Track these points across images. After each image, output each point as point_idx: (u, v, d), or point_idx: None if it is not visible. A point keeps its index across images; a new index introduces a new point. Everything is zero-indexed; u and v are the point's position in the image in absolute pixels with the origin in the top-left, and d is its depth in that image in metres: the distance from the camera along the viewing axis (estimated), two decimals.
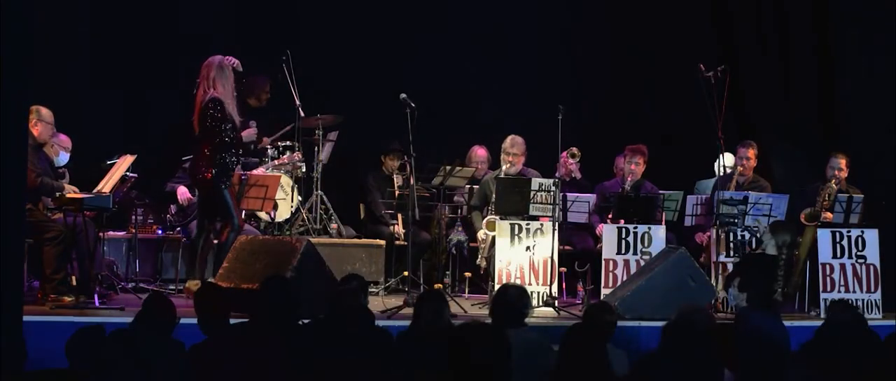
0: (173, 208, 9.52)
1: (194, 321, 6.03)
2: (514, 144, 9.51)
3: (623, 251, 8.95)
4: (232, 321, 6.25)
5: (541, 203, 8.80)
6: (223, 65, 8.30)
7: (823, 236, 8.93)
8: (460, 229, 9.95)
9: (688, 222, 9.25)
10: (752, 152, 9.61)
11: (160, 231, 9.84)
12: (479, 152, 10.28)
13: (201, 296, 6.00)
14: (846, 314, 6.76)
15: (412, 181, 9.05)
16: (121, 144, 9.02)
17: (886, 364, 5.24)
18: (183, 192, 9.35)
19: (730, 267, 8.56)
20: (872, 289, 8.89)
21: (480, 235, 9.40)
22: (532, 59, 11.15)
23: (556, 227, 8.70)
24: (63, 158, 8.69)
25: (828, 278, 8.83)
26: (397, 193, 9.88)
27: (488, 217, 9.26)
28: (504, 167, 9.49)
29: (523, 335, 5.86)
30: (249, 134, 8.65)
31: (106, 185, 8.31)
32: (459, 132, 10.62)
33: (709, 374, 5.18)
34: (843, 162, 9.41)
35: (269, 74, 10.57)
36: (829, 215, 9.19)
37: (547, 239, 8.72)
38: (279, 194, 9.37)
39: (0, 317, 5.99)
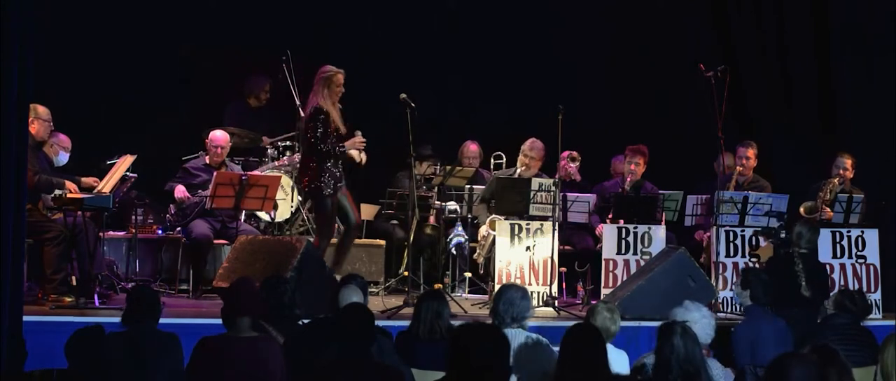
0: (173, 207, 9.52)
1: (198, 321, 6.04)
2: (533, 148, 9.48)
3: (623, 251, 8.95)
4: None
5: (541, 203, 8.80)
6: (330, 76, 8.32)
7: (823, 235, 8.92)
8: (460, 228, 9.95)
9: (688, 222, 9.26)
10: (751, 152, 9.60)
11: (160, 231, 9.83)
12: (472, 147, 10.27)
13: (232, 290, 5.90)
14: (845, 318, 6.78)
15: (413, 181, 9.04)
16: (121, 144, 9.01)
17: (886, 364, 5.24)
18: (181, 190, 9.34)
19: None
20: (872, 289, 8.90)
21: (483, 231, 9.38)
22: (533, 59, 11.14)
23: (556, 227, 8.69)
24: (62, 158, 8.68)
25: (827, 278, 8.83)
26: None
27: (491, 216, 9.25)
28: (519, 169, 9.46)
29: (523, 335, 5.86)
30: (353, 143, 8.46)
31: (106, 185, 8.31)
32: (459, 132, 10.62)
33: (706, 374, 5.18)
34: (849, 163, 9.43)
35: (268, 74, 10.59)
36: (829, 211, 9.19)
37: (547, 239, 8.71)
38: (279, 194, 9.36)
39: (0, 317, 6.00)
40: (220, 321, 5.67)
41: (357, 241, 9.78)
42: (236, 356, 5.46)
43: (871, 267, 8.98)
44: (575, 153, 9.84)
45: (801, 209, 9.28)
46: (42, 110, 8.34)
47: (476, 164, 10.19)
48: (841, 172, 9.40)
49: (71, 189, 8.13)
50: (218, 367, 5.46)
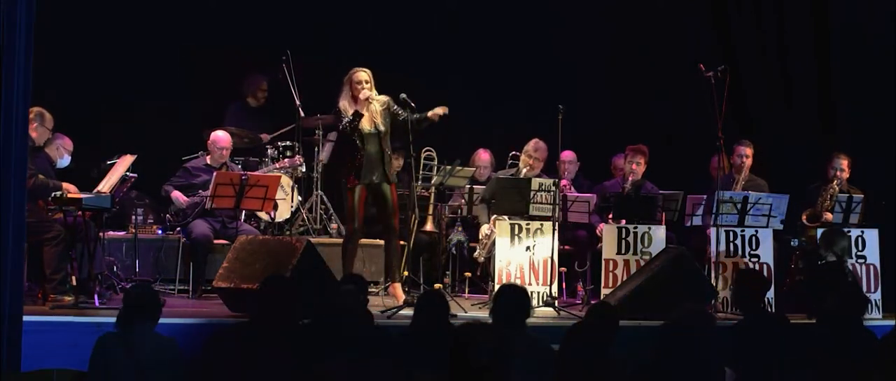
0: (173, 208, 9.52)
1: (198, 321, 6.03)
2: (537, 149, 9.45)
3: (623, 251, 8.95)
4: (232, 321, 6.25)
5: (541, 203, 8.80)
6: (350, 76, 8.48)
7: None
8: (460, 228, 9.95)
9: (688, 222, 9.26)
10: (750, 150, 9.60)
11: (160, 231, 9.83)
12: (483, 156, 10.25)
13: (268, 288, 5.88)
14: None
15: (412, 181, 9.04)
16: (121, 144, 9.01)
17: (885, 364, 5.25)
18: (177, 196, 9.33)
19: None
20: (872, 289, 8.90)
21: (484, 230, 9.37)
22: (533, 59, 11.14)
23: (556, 227, 8.69)
24: (65, 160, 8.67)
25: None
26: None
27: (494, 216, 9.24)
28: (524, 170, 9.44)
29: (523, 335, 5.87)
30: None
31: (106, 185, 8.31)
32: (459, 132, 10.61)
33: (707, 374, 5.19)
34: (845, 163, 9.43)
35: (267, 73, 10.59)
36: (828, 215, 9.20)
37: (547, 239, 8.71)
38: (279, 194, 9.36)
39: (0, 317, 6.00)
40: (220, 321, 5.68)
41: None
42: (227, 354, 5.44)
43: (871, 267, 8.98)
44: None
45: (803, 217, 9.30)
46: (49, 118, 8.36)
47: (488, 172, 10.16)
48: (838, 173, 9.40)
49: (68, 190, 8.13)
50: (216, 365, 5.44)
